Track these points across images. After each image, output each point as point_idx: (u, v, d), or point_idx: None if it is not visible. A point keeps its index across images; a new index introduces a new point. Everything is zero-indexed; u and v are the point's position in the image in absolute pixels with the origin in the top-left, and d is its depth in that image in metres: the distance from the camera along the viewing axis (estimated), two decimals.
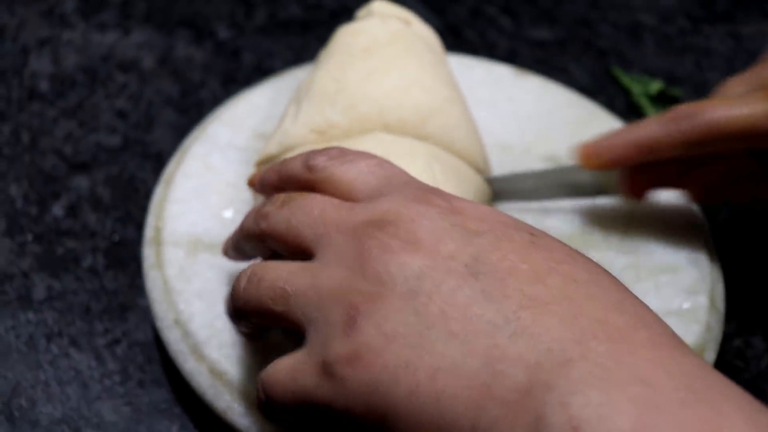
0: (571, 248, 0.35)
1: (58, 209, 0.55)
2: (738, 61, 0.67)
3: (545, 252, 0.34)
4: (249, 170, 0.53)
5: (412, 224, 0.34)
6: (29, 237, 0.54)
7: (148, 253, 0.49)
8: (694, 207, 0.53)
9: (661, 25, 0.70)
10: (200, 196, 0.52)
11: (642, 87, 0.64)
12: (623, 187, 0.50)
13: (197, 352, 0.45)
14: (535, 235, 0.35)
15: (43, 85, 0.62)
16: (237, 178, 0.53)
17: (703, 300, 0.49)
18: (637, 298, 0.34)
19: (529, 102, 0.58)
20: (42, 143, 0.59)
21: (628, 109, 0.63)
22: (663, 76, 0.66)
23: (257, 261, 0.40)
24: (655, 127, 0.46)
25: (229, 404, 0.43)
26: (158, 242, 0.49)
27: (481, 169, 0.50)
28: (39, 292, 0.51)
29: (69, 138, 0.59)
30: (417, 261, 0.33)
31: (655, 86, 0.64)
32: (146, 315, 0.50)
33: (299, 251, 0.37)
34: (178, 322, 0.46)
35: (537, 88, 0.59)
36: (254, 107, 0.57)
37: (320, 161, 0.39)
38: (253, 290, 0.37)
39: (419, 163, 0.46)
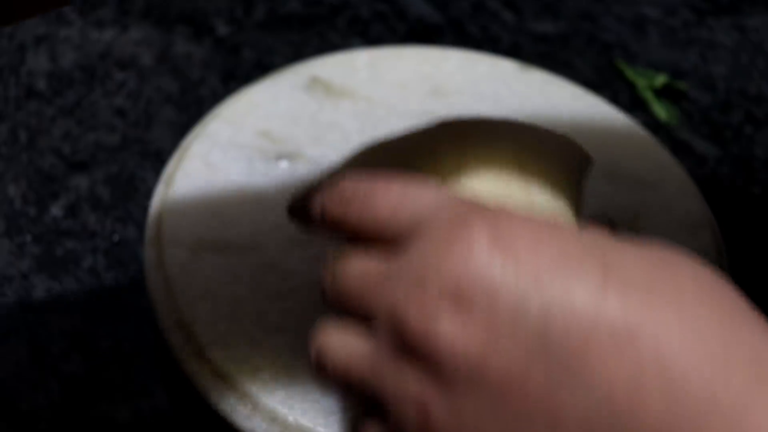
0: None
1: (57, 209, 0.55)
2: (743, 54, 0.67)
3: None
4: (250, 168, 0.52)
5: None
6: (28, 238, 0.53)
7: (149, 253, 0.48)
8: (702, 203, 0.53)
9: (665, 18, 0.70)
10: (201, 195, 0.51)
11: (647, 80, 0.64)
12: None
13: (201, 354, 0.44)
14: (609, 266, 0.31)
15: (41, 84, 0.62)
16: (238, 176, 0.52)
17: None
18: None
19: (534, 97, 0.58)
20: (40, 142, 0.58)
21: (632, 103, 0.63)
22: (668, 69, 0.65)
23: None
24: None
25: (234, 406, 0.43)
26: (159, 242, 0.49)
27: None
28: (39, 294, 0.51)
29: (67, 137, 0.59)
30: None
31: (660, 79, 0.64)
32: (148, 316, 0.49)
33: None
34: (180, 324, 0.45)
35: (541, 83, 0.59)
36: (255, 104, 0.56)
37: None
38: (322, 368, 0.36)
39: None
